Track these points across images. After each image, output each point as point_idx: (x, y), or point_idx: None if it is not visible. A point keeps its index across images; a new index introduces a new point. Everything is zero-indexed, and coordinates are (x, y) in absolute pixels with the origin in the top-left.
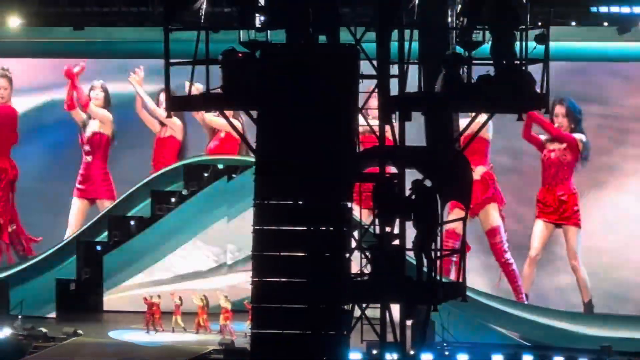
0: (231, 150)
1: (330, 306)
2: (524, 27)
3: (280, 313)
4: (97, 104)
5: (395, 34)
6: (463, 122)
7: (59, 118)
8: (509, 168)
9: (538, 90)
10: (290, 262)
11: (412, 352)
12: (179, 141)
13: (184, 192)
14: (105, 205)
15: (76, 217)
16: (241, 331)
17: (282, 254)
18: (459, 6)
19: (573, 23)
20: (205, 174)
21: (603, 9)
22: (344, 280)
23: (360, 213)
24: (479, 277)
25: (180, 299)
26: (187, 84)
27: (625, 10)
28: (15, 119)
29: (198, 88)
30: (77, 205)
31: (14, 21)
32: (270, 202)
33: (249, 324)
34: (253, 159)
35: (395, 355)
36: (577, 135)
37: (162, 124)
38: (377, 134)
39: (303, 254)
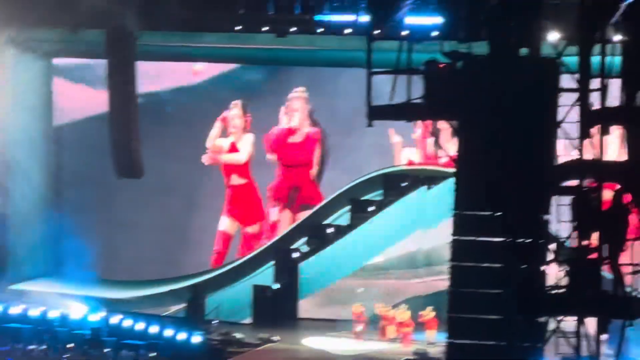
0: None
1: (526, 318)
2: None
3: (475, 323)
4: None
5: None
6: None
7: None
8: None
9: None
10: (487, 273)
11: None
12: None
13: (383, 200)
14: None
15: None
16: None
17: (479, 264)
18: None
19: None
20: (403, 184)
21: None
22: (540, 293)
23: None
24: None
25: (389, 310)
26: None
27: None
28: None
29: None
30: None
31: None
32: (469, 213)
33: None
34: (452, 170)
35: None
36: None
37: None
38: (578, 147)
39: (500, 265)
